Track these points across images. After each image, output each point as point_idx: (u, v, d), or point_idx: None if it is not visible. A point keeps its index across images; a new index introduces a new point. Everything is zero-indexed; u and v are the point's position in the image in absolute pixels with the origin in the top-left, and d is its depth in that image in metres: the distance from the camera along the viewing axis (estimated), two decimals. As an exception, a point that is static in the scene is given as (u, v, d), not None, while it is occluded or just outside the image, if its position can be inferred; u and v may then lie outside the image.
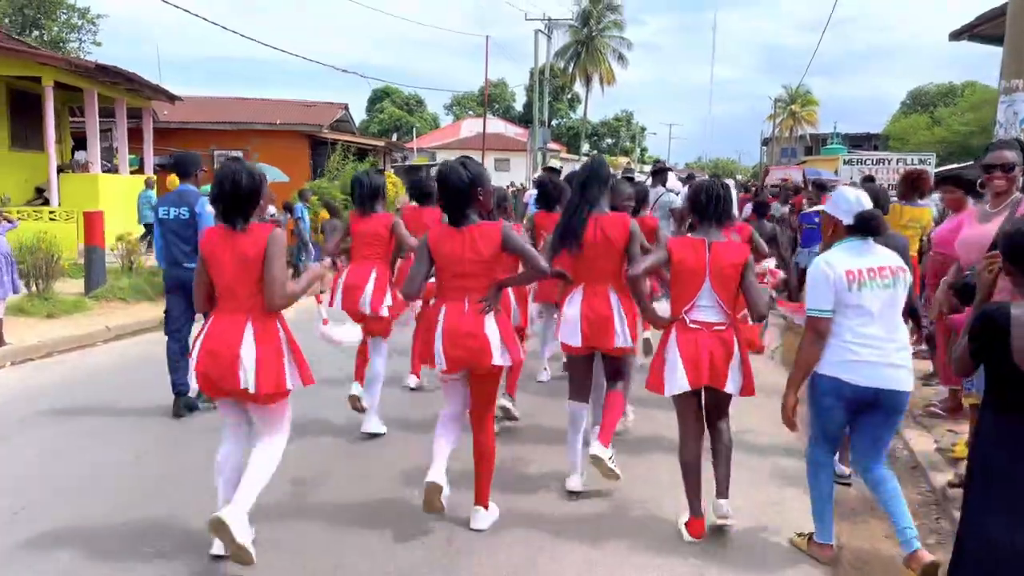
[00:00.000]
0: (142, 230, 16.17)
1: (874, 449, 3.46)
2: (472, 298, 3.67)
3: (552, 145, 45.20)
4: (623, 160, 64.31)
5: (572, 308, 4.17)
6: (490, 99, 69.67)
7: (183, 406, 5.53)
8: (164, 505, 4.04)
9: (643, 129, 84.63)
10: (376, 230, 5.18)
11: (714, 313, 3.68)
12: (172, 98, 17.42)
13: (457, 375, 3.81)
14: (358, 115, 62.07)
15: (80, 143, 17.43)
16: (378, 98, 65.10)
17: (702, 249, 3.69)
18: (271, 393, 3.31)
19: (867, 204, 3.41)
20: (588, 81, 59.80)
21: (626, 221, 4.16)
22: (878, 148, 39.48)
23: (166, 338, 5.56)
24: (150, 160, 17.40)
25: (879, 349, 3.30)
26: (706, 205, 3.74)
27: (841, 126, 50.32)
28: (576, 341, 4.15)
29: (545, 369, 6.60)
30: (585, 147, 74.70)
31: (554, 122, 73.02)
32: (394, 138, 39.80)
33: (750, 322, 4.11)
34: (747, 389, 3.74)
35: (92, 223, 9.87)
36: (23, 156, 14.47)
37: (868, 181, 12.02)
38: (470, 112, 60.00)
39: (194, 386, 3.57)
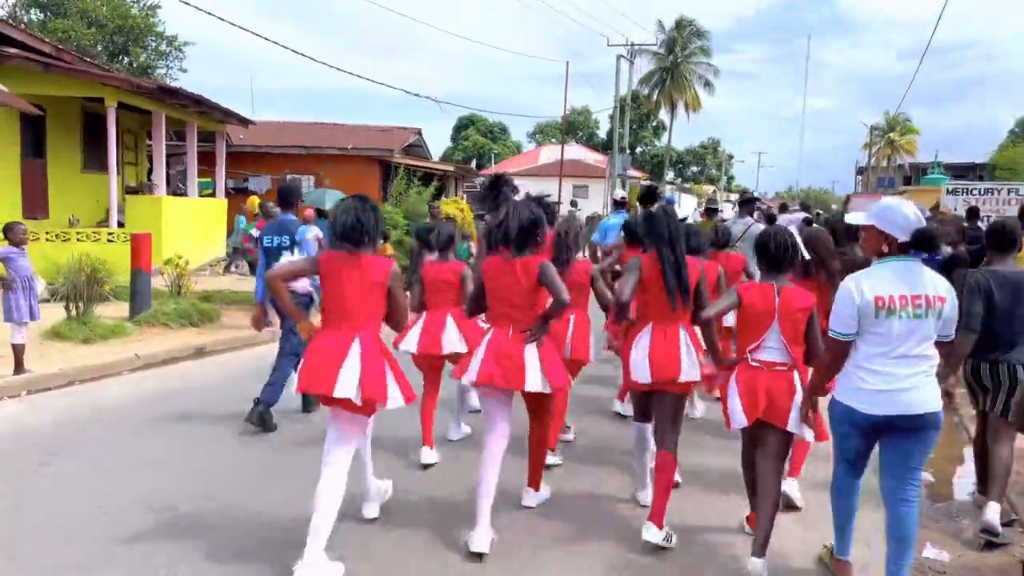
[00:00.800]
0: (220, 254, 16.22)
1: (900, 476, 3.36)
2: (517, 327, 4.04)
3: (632, 172, 44.26)
4: (708, 189, 62.88)
5: (640, 347, 4.22)
6: (573, 127, 69.56)
7: (257, 417, 5.70)
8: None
9: (730, 157, 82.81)
10: (448, 278, 5.34)
11: (778, 354, 3.80)
12: (244, 122, 17.52)
13: (499, 394, 4.12)
14: (443, 143, 63.62)
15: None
16: (463, 126, 66.09)
17: (771, 293, 3.81)
18: (371, 399, 3.62)
19: (923, 220, 3.32)
20: (673, 108, 58.78)
21: (696, 265, 4.25)
22: (983, 178, 37.03)
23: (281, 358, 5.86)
24: (222, 183, 17.51)
25: (889, 377, 3.24)
26: (775, 253, 3.85)
27: (943, 156, 47.54)
28: (645, 378, 4.18)
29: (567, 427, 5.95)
30: (670, 175, 73.58)
31: (638, 150, 72.23)
32: (473, 164, 39.83)
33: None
34: (819, 435, 3.88)
35: (138, 246, 9.67)
36: (96, 178, 14.66)
37: (973, 215, 10.81)
38: (552, 139, 59.89)
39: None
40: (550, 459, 5.04)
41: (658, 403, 4.23)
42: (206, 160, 17.70)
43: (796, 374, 3.79)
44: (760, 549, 3.64)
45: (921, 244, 3.29)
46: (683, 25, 58.06)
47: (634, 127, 70.59)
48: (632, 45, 36.23)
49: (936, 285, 3.28)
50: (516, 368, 3.95)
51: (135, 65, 25.77)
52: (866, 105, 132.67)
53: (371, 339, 3.68)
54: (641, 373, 4.15)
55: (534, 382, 3.95)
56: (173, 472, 4.94)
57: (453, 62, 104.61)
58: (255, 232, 11.05)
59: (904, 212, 3.31)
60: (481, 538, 3.88)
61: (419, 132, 21.93)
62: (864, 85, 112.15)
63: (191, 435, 5.74)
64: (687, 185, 59.51)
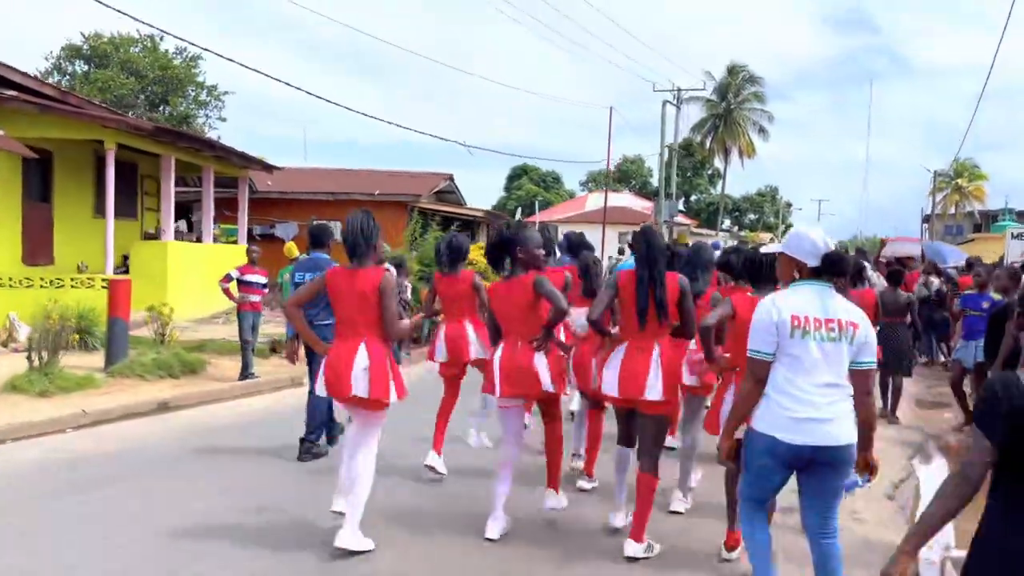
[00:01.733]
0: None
1: (822, 512, 3.32)
2: (523, 338, 4.43)
3: (681, 219, 43.16)
4: (765, 237, 61.11)
5: (612, 363, 4.38)
6: (626, 175, 68.99)
7: (304, 451, 6.07)
8: None
9: (788, 205, 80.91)
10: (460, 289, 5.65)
11: None
12: (268, 168, 17.24)
13: (513, 403, 4.56)
14: (497, 193, 63.62)
15: (179, 211, 17.53)
16: (516, 175, 66.39)
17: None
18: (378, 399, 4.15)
19: (832, 245, 3.37)
20: (727, 154, 57.76)
21: (676, 281, 4.34)
22: (1060, 225, 34.75)
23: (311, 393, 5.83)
24: (244, 229, 17.17)
25: (811, 405, 3.19)
26: (759, 270, 4.14)
27: (1015, 203, 45.12)
28: (613, 392, 4.37)
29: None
30: (726, 223, 72.01)
31: (693, 197, 71.02)
32: (518, 213, 39.24)
33: None
34: None
35: (116, 293, 9.12)
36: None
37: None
38: (603, 187, 59.31)
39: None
40: (583, 483, 5.45)
41: (640, 426, 4.40)
42: (230, 206, 17.43)
43: None
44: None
45: (830, 269, 3.32)
46: (736, 71, 57.26)
47: (688, 174, 69.67)
48: (678, 90, 35.44)
49: (849, 311, 3.27)
50: (530, 377, 4.40)
51: (174, 114, 26.16)
52: (933, 152, 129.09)
53: (374, 344, 4.13)
54: (610, 388, 4.34)
55: (547, 386, 4.42)
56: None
57: (509, 112, 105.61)
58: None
59: (811, 238, 3.34)
60: (494, 526, 4.44)
61: (450, 178, 21.42)
62: (930, 131, 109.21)
63: (64, 519, 4.88)
64: (742, 233, 58.05)
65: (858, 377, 3.25)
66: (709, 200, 67.03)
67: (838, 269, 3.34)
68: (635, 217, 41.55)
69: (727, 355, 4.17)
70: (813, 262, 3.32)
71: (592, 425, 5.53)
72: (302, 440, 6.12)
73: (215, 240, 17.65)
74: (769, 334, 3.21)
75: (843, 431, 3.17)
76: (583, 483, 5.46)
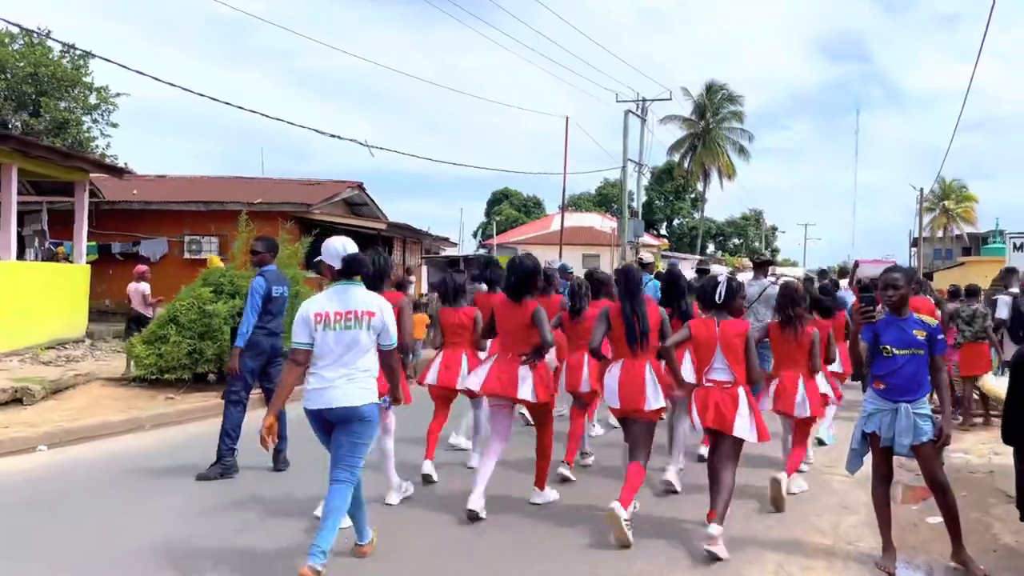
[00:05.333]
0: (79, 331, 12.86)
1: (335, 460, 4.03)
2: (515, 353, 5.14)
3: (649, 239, 40.39)
4: (747, 262, 58.44)
5: (611, 378, 5.09)
6: (606, 198, 66.61)
7: (217, 473, 5.83)
8: None
9: (774, 229, 78.71)
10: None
11: (724, 374, 4.75)
12: (114, 171, 14.29)
13: (503, 402, 5.25)
14: (477, 218, 61.29)
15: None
16: (496, 200, 64.73)
17: (713, 325, 4.80)
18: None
19: (351, 250, 4.30)
20: (706, 176, 55.52)
21: (656, 310, 5.19)
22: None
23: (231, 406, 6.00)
24: (82, 246, 14.04)
25: (326, 379, 3.98)
26: (711, 295, 4.87)
27: (1007, 224, 42.96)
28: (615, 404, 5.08)
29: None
30: (710, 247, 69.54)
31: (675, 222, 68.66)
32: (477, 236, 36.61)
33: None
34: (761, 436, 4.75)
35: None
36: None
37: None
38: (582, 209, 56.95)
39: None
40: (564, 470, 6.03)
41: (631, 427, 5.08)
42: (66, 219, 14.38)
43: (740, 389, 4.72)
44: (719, 519, 4.49)
45: (347, 270, 4.13)
46: (714, 89, 55.16)
47: (671, 198, 67.45)
48: (643, 100, 32.74)
49: (367, 302, 4.06)
50: (512, 381, 5.07)
51: (50, 118, 23.05)
52: (921, 177, 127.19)
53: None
54: (611, 400, 5.09)
55: (524, 393, 5.06)
56: None
57: (492, 137, 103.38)
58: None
59: (335, 245, 4.36)
60: (475, 500, 4.97)
61: (359, 186, 18.50)
62: (921, 158, 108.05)
63: None
64: (721, 256, 55.62)
65: (383, 355, 4.17)
66: (692, 224, 64.71)
67: (353, 270, 4.14)
68: (600, 238, 38.83)
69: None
70: (337, 264, 4.22)
71: (575, 424, 6.28)
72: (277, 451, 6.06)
73: (60, 259, 14.66)
74: (304, 332, 3.99)
75: (350, 396, 3.97)
76: (563, 470, 6.05)
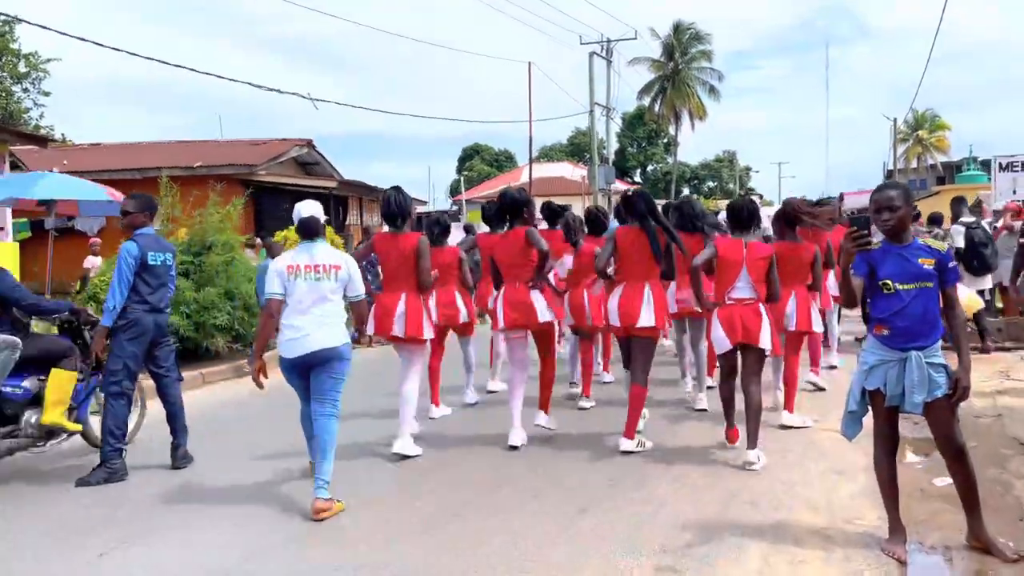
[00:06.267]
0: None
1: (320, 398, 4.40)
2: (522, 280, 5.45)
3: (621, 186, 39.44)
4: (723, 204, 57.69)
5: (613, 299, 5.36)
6: (578, 148, 65.22)
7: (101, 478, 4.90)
8: None
9: (747, 169, 78.08)
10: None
11: (748, 291, 5.06)
12: (41, 141, 13.08)
13: (519, 334, 5.63)
14: (449, 175, 59.82)
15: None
16: (467, 156, 63.46)
17: (740, 246, 5.10)
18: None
19: (308, 213, 4.52)
20: (677, 118, 54.39)
21: (663, 234, 5.30)
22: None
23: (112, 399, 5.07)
24: (6, 221, 12.94)
25: (300, 328, 4.33)
26: (743, 217, 5.19)
27: (980, 152, 42.38)
28: (615, 322, 5.35)
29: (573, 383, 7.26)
30: (685, 190, 68.72)
31: (649, 168, 67.63)
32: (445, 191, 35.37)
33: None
34: (776, 349, 5.26)
35: None
36: None
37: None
38: (555, 160, 55.69)
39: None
40: (583, 403, 6.70)
41: (633, 348, 5.38)
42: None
43: (762, 306, 5.06)
44: (752, 442, 4.87)
45: (303, 231, 4.50)
46: (682, 29, 53.72)
47: (644, 145, 66.33)
48: (607, 41, 31.49)
49: (333, 257, 4.48)
50: (529, 309, 5.40)
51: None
52: (895, 110, 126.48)
53: (413, 295, 5.32)
54: (613, 319, 5.33)
55: (544, 316, 5.42)
56: None
57: (463, 92, 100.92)
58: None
59: (297, 209, 4.58)
60: (515, 436, 5.43)
61: (309, 143, 17.37)
62: (893, 93, 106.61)
63: None
64: (696, 199, 54.82)
65: (353, 306, 4.63)
66: (666, 170, 63.84)
67: (310, 230, 4.50)
68: (571, 187, 37.71)
69: (710, 294, 5.28)
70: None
71: (584, 355, 6.86)
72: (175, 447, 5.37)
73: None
74: (277, 280, 4.38)
75: (321, 340, 4.32)
76: (583, 403, 6.72)
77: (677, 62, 53.24)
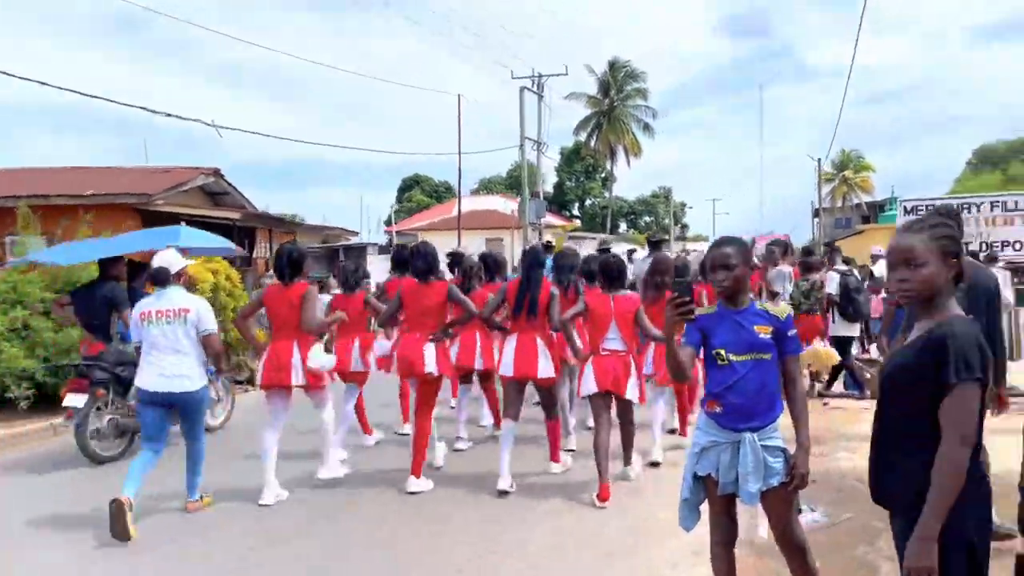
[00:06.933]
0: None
1: (184, 432, 5.19)
2: (425, 331, 5.53)
3: (553, 220, 39.43)
4: (693, 247, 58.41)
5: (507, 350, 5.62)
6: (517, 181, 65.24)
7: None
8: None
9: (683, 205, 79.43)
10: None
11: (618, 344, 5.29)
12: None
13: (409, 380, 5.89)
14: (388, 204, 58.97)
15: None
16: (407, 187, 62.80)
17: (608, 301, 5.32)
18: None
19: (158, 264, 5.11)
20: (613, 154, 54.98)
21: (548, 288, 5.62)
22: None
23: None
24: None
25: (157, 366, 4.91)
26: (608, 274, 5.43)
27: (901, 192, 43.94)
28: (509, 372, 5.58)
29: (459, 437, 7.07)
30: (622, 226, 69.27)
31: (587, 202, 68.07)
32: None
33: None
34: (642, 398, 5.49)
35: None
36: None
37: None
38: (494, 193, 55.59)
39: None
40: (461, 445, 6.81)
41: (540, 394, 5.78)
42: None
43: (631, 358, 5.33)
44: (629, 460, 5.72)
45: (155, 280, 5.11)
46: (617, 67, 54.53)
47: (582, 179, 66.81)
48: (539, 76, 31.50)
49: (181, 301, 5.01)
50: (419, 359, 5.44)
51: None
52: (824, 150, 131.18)
53: (304, 343, 5.45)
54: (506, 369, 5.56)
55: (430, 368, 5.46)
56: None
57: (404, 124, 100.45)
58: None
59: (154, 260, 5.18)
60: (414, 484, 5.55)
61: (216, 172, 16.60)
62: (824, 130, 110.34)
63: None
64: (631, 234, 55.41)
65: (204, 340, 5.04)
66: (604, 204, 64.48)
67: (160, 279, 5.07)
68: (503, 220, 37.57)
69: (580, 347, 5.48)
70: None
71: (490, 395, 7.03)
72: None
73: None
74: (135, 328, 5.04)
75: (180, 384, 4.93)
76: (493, 432, 7.04)
77: (612, 99, 53.97)
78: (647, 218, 74.65)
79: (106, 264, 7.29)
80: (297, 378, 5.33)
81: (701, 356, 3.10)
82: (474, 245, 30.49)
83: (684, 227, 77.51)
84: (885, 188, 51.87)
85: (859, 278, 9.27)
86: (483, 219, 36.98)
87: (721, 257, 2.98)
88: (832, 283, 8.98)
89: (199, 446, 5.15)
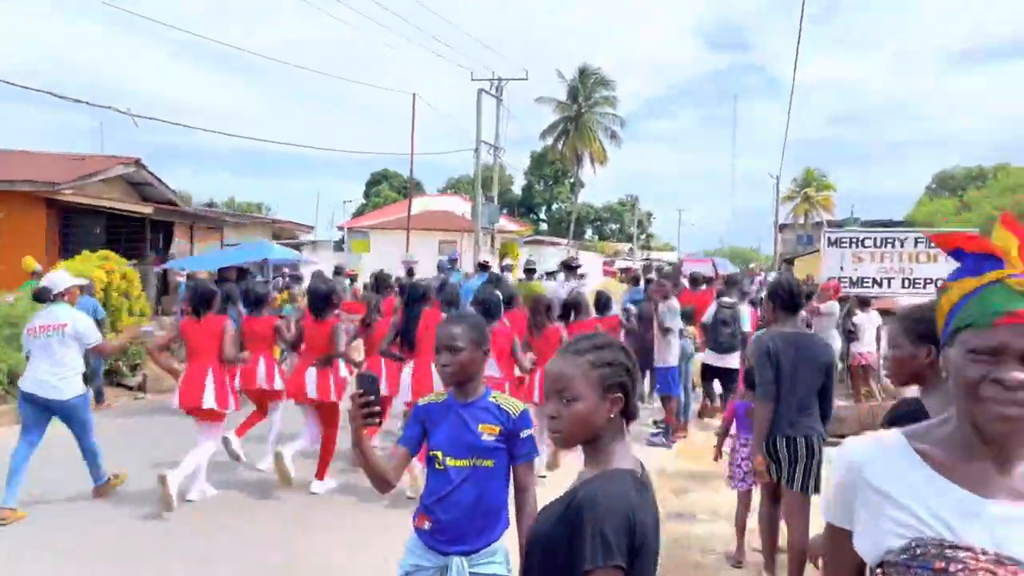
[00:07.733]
0: None
1: (36, 425, 5.47)
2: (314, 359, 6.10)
3: (508, 224, 38.96)
4: (624, 248, 58.28)
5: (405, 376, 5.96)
6: (485, 183, 64.70)
7: None
8: None
9: (649, 214, 79.55)
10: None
11: (493, 370, 5.55)
12: None
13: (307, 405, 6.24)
14: (357, 200, 58.05)
15: None
16: (375, 181, 62.11)
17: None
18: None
19: (43, 284, 5.87)
20: (579, 160, 54.69)
21: (435, 318, 5.77)
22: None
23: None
24: None
25: (34, 372, 5.41)
26: (487, 308, 5.89)
27: (861, 213, 44.29)
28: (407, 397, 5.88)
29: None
30: (588, 232, 69.02)
31: (554, 207, 67.76)
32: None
33: None
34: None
35: None
36: None
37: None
38: (464, 194, 55.04)
39: None
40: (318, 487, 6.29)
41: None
42: None
43: (507, 384, 5.78)
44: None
45: (40, 298, 5.75)
46: (587, 74, 54.21)
47: (550, 183, 66.46)
48: (498, 79, 31.03)
49: (61, 317, 5.52)
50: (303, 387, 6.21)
51: None
52: (792, 166, 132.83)
53: (218, 368, 5.79)
54: (405, 394, 5.88)
55: (311, 394, 6.12)
56: None
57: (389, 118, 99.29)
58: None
59: (43, 280, 5.92)
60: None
61: (137, 162, 15.84)
62: (793, 147, 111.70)
63: None
64: (594, 241, 55.18)
65: (92, 351, 5.86)
66: (570, 209, 64.37)
67: (43, 299, 5.71)
68: (460, 223, 36.97)
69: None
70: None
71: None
72: None
73: None
74: (25, 338, 5.62)
75: (55, 390, 5.37)
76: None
77: (581, 105, 53.69)
78: (613, 225, 74.63)
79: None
80: (208, 401, 5.69)
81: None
82: (426, 246, 29.95)
83: (649, 236, 77.62)
84: (846, 208, 52.34)
85: (735, 312, 8.91)
86: (437, 220, 36.34)
87: (446, 338, 2.48)
88: (709, 313, 8.84)
89: (84, 444, 5.62)
